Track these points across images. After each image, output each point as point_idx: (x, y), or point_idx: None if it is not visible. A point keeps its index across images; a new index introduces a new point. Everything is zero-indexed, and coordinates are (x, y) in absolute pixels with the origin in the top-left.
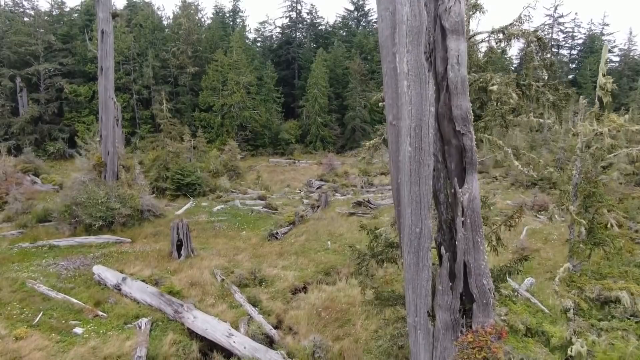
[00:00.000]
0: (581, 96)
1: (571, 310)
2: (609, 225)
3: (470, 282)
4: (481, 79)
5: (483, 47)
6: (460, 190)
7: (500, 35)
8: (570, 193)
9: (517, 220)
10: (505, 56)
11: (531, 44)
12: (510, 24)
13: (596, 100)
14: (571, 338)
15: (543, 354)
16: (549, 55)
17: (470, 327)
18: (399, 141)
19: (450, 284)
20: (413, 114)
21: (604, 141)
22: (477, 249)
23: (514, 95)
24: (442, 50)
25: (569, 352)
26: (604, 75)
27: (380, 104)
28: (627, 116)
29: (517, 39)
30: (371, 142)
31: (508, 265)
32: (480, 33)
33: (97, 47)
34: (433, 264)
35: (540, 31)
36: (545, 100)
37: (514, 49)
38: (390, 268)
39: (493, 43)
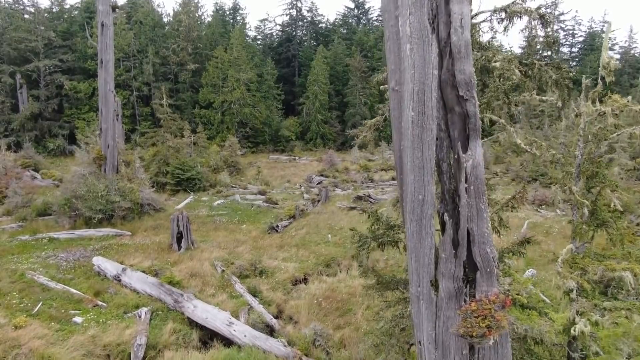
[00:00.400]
0: (584, 76)
1: (574, 291)
2: (612, 205)
3: (474, 250)
4: (483, 57)
5: (485, 27)
6: (463, 156)
7: (503, 14)
8: (573, 174)
9: (519, 201)
10: (506, 50)
11: (534, 21)
12: (513, 2)
13: (599, 80)
14: (574, 318)
15: (547, 326)
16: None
17: (474, 296)
18: (401, 107)
19: (454, 251)
20: (416, 78)
21: (607, 121)
22: (480, 216)
23: (516, 71)
24: (445, 15)
25: (572, 331)
26: (607, 55)
27: (382, 87)
28: (630, 97)
29: (520, 16)
30: (372, 120)
31: (510, 248)
32: (482, 12)
33: (97, 40)
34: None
35: (543, 9)
36: (548, 77)
37: (516, 47)
38: (391, 260)
39: (495, 23)
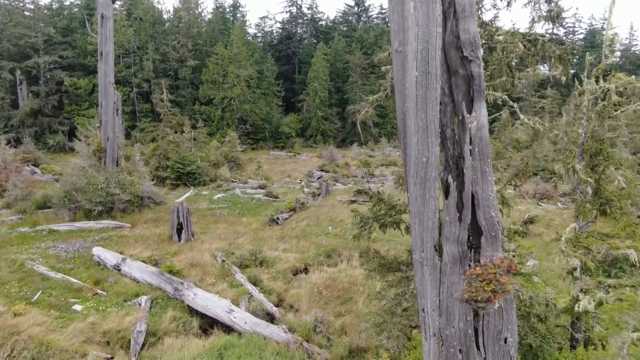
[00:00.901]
0: (587, 53)
1: (578, 270)
2: (616, 183)
3: (479, 213)
4: (486, 32)
5: (488, 5)
6: (467, 116)
7: None
8: (576, 152)
9: (523, 178)
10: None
11: None
12: None
13: (603, 57)
14: (578, 296)
15: (553, 294)
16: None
17: (479, 261)
18: (405, 67)
19: (458, 215)
20: (420, 36)
21: (611, 98)
22: (485, 179)
23: (520, 45)
24: None
25: (576, 307)
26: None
27: (383, 68)
28: (633, 77)
29: None
30: (374, 96)
31: (513, 227)
32: None
33: (97, 32)
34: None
35: None
36: (552, 52)
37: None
38: (392, 250)
39: (498, 0)
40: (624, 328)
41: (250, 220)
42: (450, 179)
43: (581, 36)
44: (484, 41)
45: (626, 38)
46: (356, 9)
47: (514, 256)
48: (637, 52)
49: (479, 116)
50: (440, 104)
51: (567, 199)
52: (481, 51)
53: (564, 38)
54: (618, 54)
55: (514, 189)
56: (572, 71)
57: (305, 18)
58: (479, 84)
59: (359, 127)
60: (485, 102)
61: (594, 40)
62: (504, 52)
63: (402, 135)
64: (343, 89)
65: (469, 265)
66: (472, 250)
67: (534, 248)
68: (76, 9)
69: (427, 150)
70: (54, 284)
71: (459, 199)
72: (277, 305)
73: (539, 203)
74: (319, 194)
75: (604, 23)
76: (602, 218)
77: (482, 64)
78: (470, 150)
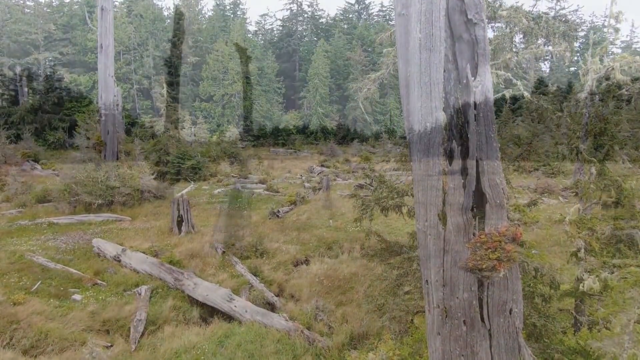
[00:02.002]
0: (591, 31)
1: (582, 250)
2: (621, 162)
3: (483, 180)
4: (489, 8)
5: None
6: (472, 78)
7: None
8: (580, 132)
9: (528, 155)
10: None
11: None
12: None
13: (607, 34)
14: (582, 276)
15: (558, 265)
16: None
17: (483, 230)
18: (408, 30)
19: (462, 181)
20: None
21: (615, 77)
22: (490, 145)
23: (523, 20)
24: None
25: (580, 287)
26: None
27: (384, 50)
28: (637, 57)
29: None
30: (376, 74)
31: (515, 206)
32: None
33: (97, 25)
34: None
35: None
36: (556, 29)
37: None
38: None
39: None
40: (629, 305)
41: (251, 214)
42: (454, 145)
43: (582, 33)
44: (486, 20)
45: (627, 35)
46: (357, 6)
47: (518, 225)
48: (638, 49)
49: (484, 80)
50: (444, 71)
51: (569, 192)
52: (485, 15)
53: (567, 15)
54: (621, 32)
55: (517, 170)
56: (573, 69)
57: (305, 15)
58: (484, 48)
59: (361, 106)
60: (489, 67)
61: (595, 38)
62: (508, 26)
63: (405, 102)
64: (344, 86)
65: (474, 234)
66: (477, 220)
67: (538, 217)
68: (76, 6)
69: (430, 115)
70: (53, 275)
71: (463, 166)
72: (277, 295)
73: (541, 197)
74: (319, 189)
75: (604, 20)
76: (603, 211)
77: (486, 25)
78: (474, 115)
